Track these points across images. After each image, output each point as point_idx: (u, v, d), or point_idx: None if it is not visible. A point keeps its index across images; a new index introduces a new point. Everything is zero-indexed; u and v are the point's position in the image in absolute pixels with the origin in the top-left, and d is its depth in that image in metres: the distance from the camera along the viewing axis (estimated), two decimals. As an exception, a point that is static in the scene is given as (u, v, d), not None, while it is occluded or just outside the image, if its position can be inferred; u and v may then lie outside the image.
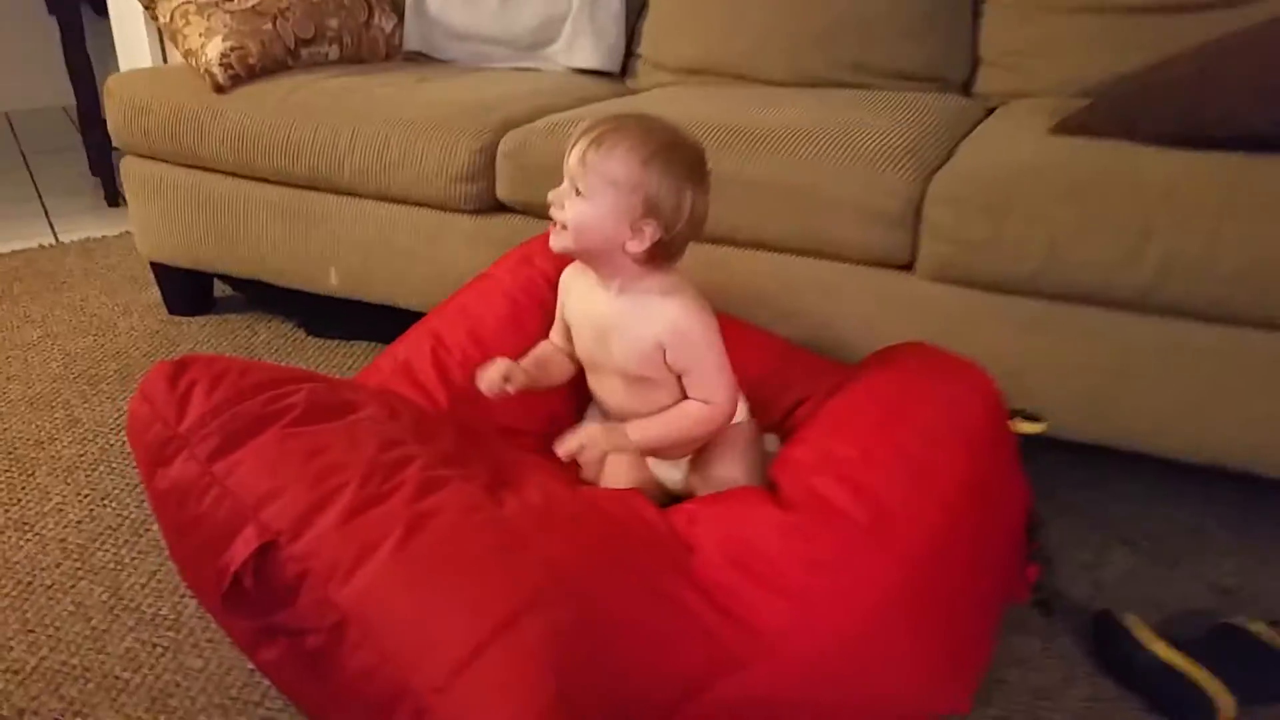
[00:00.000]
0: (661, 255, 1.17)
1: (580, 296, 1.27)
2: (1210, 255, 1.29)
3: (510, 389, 1.25)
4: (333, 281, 1.98)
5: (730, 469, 1.23)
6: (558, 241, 1.21)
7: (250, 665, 1.18)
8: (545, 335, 1.38)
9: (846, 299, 1.54)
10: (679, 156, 1.14)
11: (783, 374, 1.40)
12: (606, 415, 1.33)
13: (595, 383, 1.32)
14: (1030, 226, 1.38)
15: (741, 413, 1.29)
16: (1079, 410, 1.44)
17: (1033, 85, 1.91)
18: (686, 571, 1.02)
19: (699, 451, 1.27)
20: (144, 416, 1.08)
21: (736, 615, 0.99)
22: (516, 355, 1.36)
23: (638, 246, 1.15)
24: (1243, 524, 1.48)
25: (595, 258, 1.20)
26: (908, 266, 1.51)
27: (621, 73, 2.23)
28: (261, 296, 2.24)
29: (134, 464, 1.14)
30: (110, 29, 2.93)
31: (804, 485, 1.11)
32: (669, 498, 1.27)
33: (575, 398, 1.41)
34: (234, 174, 1.97)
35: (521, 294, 1.42)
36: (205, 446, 1.04)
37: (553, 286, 1.38)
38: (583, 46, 2.18)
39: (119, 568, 1.39)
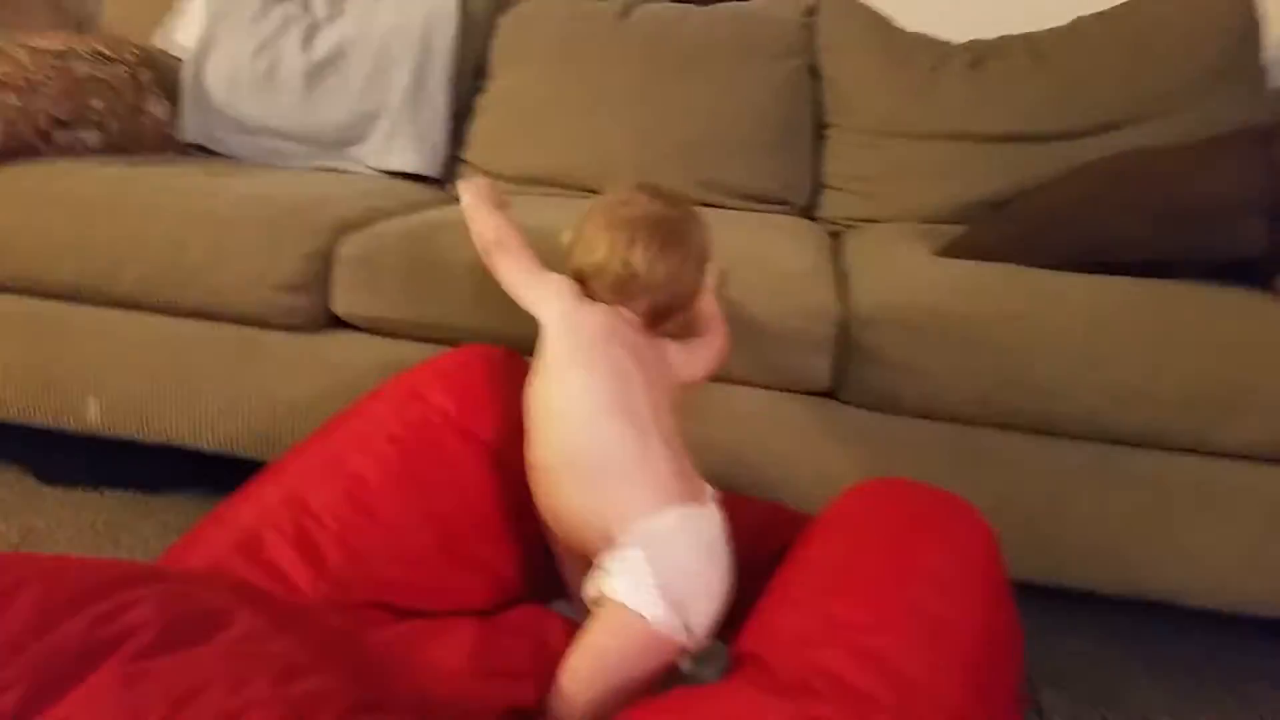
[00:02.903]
0: None
1: None
2: (1152, 380, 1.25)
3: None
4: (91, 415, 1.55)
5: None
6: None
7: None
8: (449, 491, 1.10)
9: (763, 430, 1.37)
10: None
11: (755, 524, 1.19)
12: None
13: None
14: (976, 351, 1.28)
15: None
16: (1014, 546, 1.34)
17: (882, 209, 1.87)
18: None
19: None
20: None
21: None
22: (412, 521, 1.07)
23: None
24: (1170, 659, 1.43)
25: None
26: (828, 393, 1.37)
27: (440, 179, 2.00)
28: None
29: None
30: None
31: (805, 661, 0.90)
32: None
33: (513, 565, 1.13)
34: (-44, 280, 1.53)
35: (414, 438, 1.12)
36: (7, 701, 0.68)
37: (455, 430, 1.11)
38: (401, 148, 1.93)
39: None
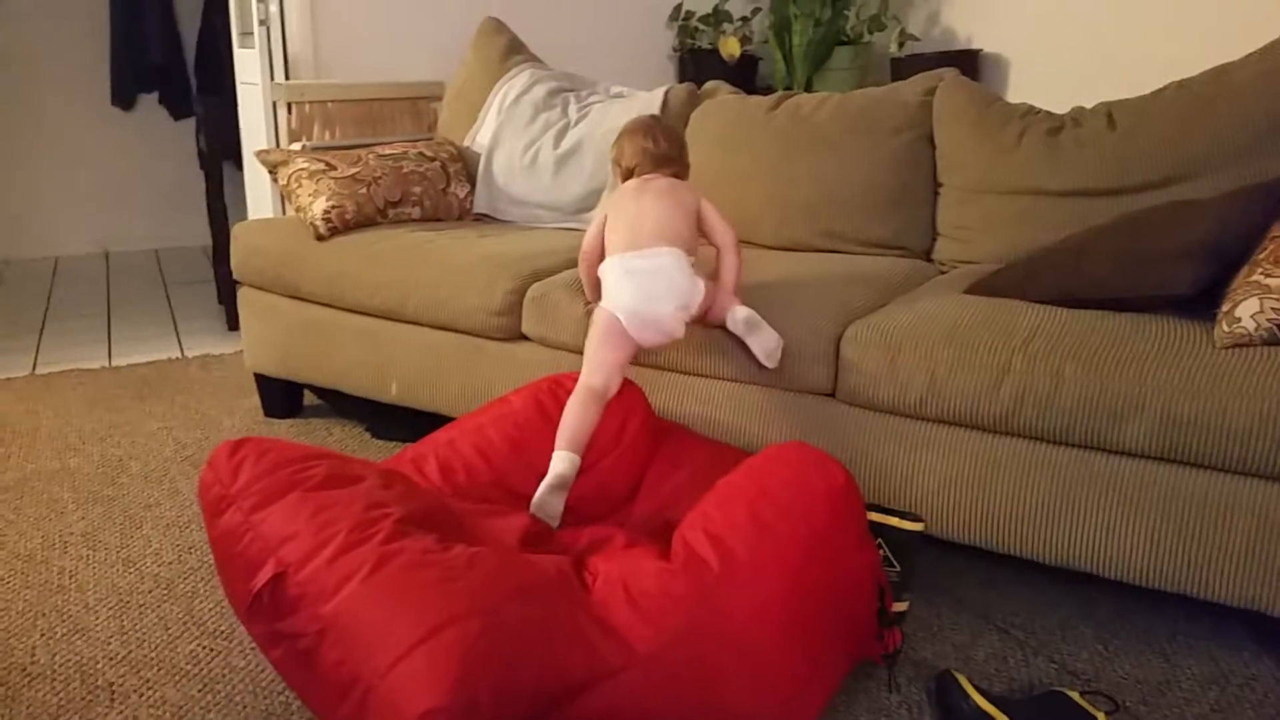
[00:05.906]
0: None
1: None
2: (1054, 390, 1.61)
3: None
4: (393, 392, 2.42)
5: None
6: None
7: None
8: (541, 460, 1.75)
9: (784, 420, 1.89)
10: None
11: (713, 465, 1.76)
12: None
13: None
14: (915, 362, 1.72)
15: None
16: (955, 515, 1.74)
17: (974, 254, 2.27)
18: (584, 603, 1.36)
19: None
20: (209, 480, 1.50)
21: (618, 635, 1.32)
22: (513, 467, 1.74)
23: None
24: (1109, 623, 1.73)
25: None
26: (831, 394, 1.86)
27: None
28: (339, 404, 2.71)
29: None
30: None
31: (681, 538, 1.45)
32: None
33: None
34: (324, 304, 2.47)
35: (528, 426, 1.81)
36: (248, 502, 1.45)
37: (551, 423, 1.78)
38: (615, 212, 2.63)
39: (195, 596, 1.81)
